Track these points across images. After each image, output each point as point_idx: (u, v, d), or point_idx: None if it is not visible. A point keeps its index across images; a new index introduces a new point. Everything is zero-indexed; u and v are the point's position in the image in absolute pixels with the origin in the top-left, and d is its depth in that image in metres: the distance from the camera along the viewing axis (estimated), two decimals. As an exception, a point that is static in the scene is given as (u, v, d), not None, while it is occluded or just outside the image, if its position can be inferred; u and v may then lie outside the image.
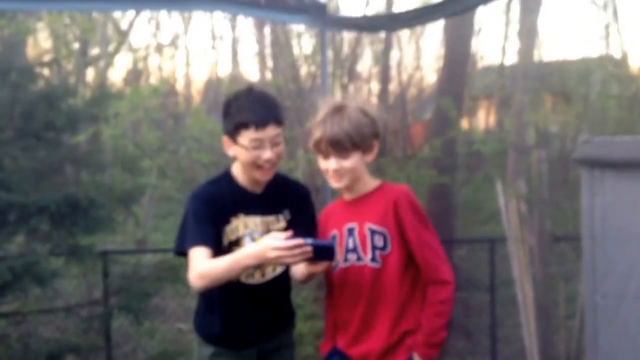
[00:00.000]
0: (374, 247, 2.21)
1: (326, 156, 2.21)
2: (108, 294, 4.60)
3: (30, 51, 8.63)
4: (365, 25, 4.49)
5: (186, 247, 2.22)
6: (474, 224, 8.07)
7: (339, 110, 2.21)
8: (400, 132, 9.20)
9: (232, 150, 2.29)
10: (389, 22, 4.15)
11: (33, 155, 4.27)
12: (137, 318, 4.45)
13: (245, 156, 2.24)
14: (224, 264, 2.13)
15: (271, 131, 2.23)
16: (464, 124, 8.62)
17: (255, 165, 2.25)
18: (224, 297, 2.31)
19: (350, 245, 2.25)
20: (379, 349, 2.23)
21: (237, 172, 2.35)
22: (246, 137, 2.22)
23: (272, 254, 2.02)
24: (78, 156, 4.66)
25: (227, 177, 2.36)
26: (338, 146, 2.17)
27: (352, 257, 2.25)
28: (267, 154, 2.23)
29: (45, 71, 6.01)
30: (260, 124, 2.20)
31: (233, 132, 2.25)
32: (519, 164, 5.82)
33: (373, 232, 2.22)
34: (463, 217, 7.76)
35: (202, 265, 2.15)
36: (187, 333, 5.63)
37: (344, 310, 2.31)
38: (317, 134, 2.20)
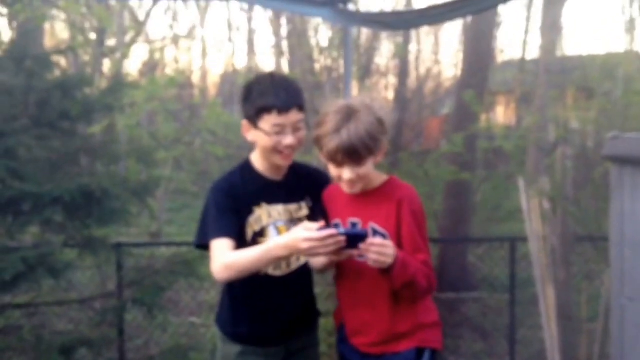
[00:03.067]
0: None
1: (340, 165, 2.14)
2: (122, 287, 4.56)
3: (48, 41, 8.63)
4: (393, 22, 4.36)
5: (208, 240, 2.18)
6: (493, 222, 7.95)
7: (350, 116, 2.12)
8: (417, 127, 9.12)
9: (251, 134, 2.24)
10: (418, 18, 4.02)
11: (48, 145, 4.21)
12: (150, 312, 4.39)
13: (265, 141, 2.20)
14: (254, 255, 2.08)
15: (294, 116, 2.18)
16: (483, 119, 8.49)
17: (275, 150, 2.21)
18: (250, 291, 2.26)
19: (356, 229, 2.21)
20: (380, 339, 2.22)
21: (256, 160, 2.31)
22: (268, 121, 2.17)
23: (305, 245, 1.97)
24: (93, 146, 4.60)
25: (246, 167, 2.32)
26: (355, 156, 2.11)
27: (354, 251, 2.19)
28: (288, 139, 2.19)
29: (62, 60, 5.98)
30: (283, 109, 2.16)
31: (254, 117, 2.20)
32: (541, 161, 5.71)
33: (375, 232, 2.18)
34: (482, 214, 7.65)
35: (228, 257, 2.11)
36: (200, 327, 5.59)
37: (347, 298, 2.29)
38: (331, 144, 2.10)
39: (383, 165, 6.04)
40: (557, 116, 5.73)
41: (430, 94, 11.22)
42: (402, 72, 8.91)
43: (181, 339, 5.45)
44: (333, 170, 2.19)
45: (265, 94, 2.18)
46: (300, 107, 2.21)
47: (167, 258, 4.80)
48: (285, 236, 2.06)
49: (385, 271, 2.05)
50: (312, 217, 2.31)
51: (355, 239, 2.00)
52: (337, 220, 2.28)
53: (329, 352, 3.96)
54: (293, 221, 2.29)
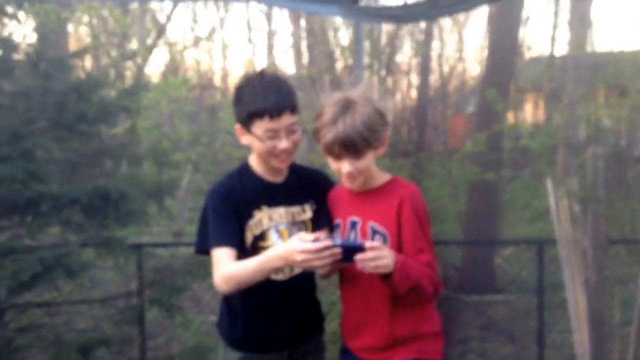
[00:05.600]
0: None
1: (339, 158, 2.05)
2: (142, 287, 4.54)
3: (73, 44, 8.68)
4: (403, 15, 4.24)
5: (208, 247, 2.10)
6: (520, 223, 7.80)
7: (347, 107, 2.04)
8: (440, 126, 8.98)
9: (245, 139, 2.15)
10: (428, 10, 3.90)
11: (66, 147, 4.22)
12: (168, 312, 4.36)
13: (260, 146, 2.11)
14: (251, 266, 2.01)
15: (286, 120, 2.08)
16: (510, 117, 8.33)
17: (271, 154, 2.12)
18: (251, 296, 2.15)
19: (352, 238, 2.11)
20: (377, 345, 2.13)
21: (255, 163, 2.22)
22: (260, 127, 2.08)
23: (299, 257, 1.88)
24: (111, 148, 4.59)
25: (245, 169, 2.22)
26: (352, 148, 2.02)
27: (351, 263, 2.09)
28: (283, 143, 2.09)
29: (85, 63, 5.99)
30: (275, 114, 2.06)
31: (246, 121, 2.10)
32: (570, 160, 5.55)
33: (374, 232, 2.09)
34: (509, 215, 7.50)
35: (227, 268, 2.03)
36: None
37: (346, 302, 2.21)
38: (328, 136, 2.02)
39: (405, 165, 5.96)
40: (587, 114, 5.56)
41: (455, 91, 11.07)
42: (424, 70, 8.78)
43: (203, 337, 5.42)
44: (332, 164, 2.10)
45: (255, 98, 2.08)
46: (293, 109, 2.10)
47: (186, 258, 4.78)
48: (281, 247, 1.98)
49: (386, 277, 1.95)
50: (316, 220, 2.23)
51: (351, 250, 1.90)
52: (338, 220, 2.20)
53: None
54: (295, 224, 2.20)
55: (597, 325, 4.20)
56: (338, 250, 1.88)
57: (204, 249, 2.15)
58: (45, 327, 4.36)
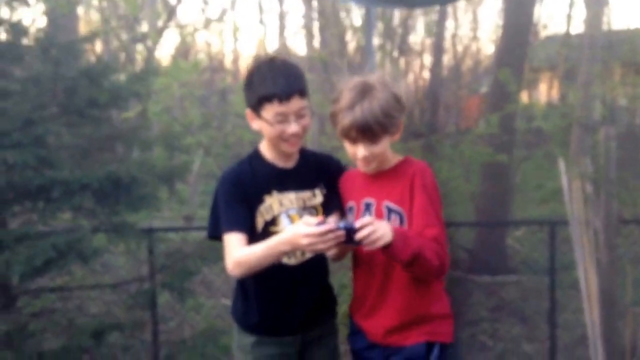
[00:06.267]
0: None
1: (355, 142, 2.08)
2: (154, 271, 4.58)
3: (83, 28, 8.68)
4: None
5: (220, 233, 2.14)
6: (532, 204, 7.75)
7: (365, 92, 2.05)
8: (453, 106, 8.91)
9: (255, 123, 2.18)
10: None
11: (77, 132, 4.23)
12: (180, 295, 4.40)
13: (269, 130, 2.13)
14: (260, 251, 2.04)
15: (296, 104, 2.10)
16: (524, 97, 8.24)
17: (280, 139, 2.14)
18: (262, 281, 2.18)
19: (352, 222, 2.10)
20: (390, 325, 2.14)
21: (265, 149, 2.25)
22: (270, 111, 2.10)
23: (304, 240, 1.91)
24: (122, 133, 4.60)
25: (256, 155, 2.25)
26: (369, 133, 2.04)
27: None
28: (292, 127, 2.11)
29: (96, 47, 5.98)
30: (284, 97, 2.08)
31: (256, 106, 2.13)
32: (584, 140, 5.48)
33: (390, 211, 2.11)
34: (521, 197, 7.46)
35: (238, 253, 2.07)
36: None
37: (360, 284, 2.23)
38: (345, 121, 2.05)
39: (416, 147, 5.93)
40: (602, 93, 5.49)
41: (469, 72, 10.96)
42: (437, 50, 8.69)
43: (214, 321, 5.47)
44: (348, 148, 2.12)
45: (265, 82, 2.11)
46: (302, 93, 2.12)
47: (197, 242, 4.81)
48: (287, 231, 2.00)
49: (386, 248, 1.95)
50: (327, 205, 2.25)
51: (353, 232, 1.93)
52: (351, 203, 2.22)
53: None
54: (306, 209, 2.23)
55: (608, 304, 4.19)
56: (341, 232, 1.91)
57: (215, 234, 2.19)
58: (58, 312, 4.42)
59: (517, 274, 6.44)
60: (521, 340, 5.30)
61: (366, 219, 1.95)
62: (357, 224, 1.92)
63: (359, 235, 1.91)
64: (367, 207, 2.16)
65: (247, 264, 2.06)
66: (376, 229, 1.91)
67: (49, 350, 3.86)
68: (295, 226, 1.97)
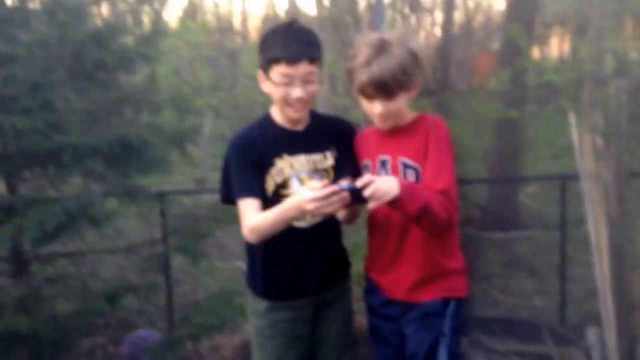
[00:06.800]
0: None
1: (371, 99, 2.11)
2: (167, 234, 4.62)
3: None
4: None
5: (233, 197, 2.20)
6: (544, 160, 7.71)
7: (382, 49, 2.07)
8: (465, 64, 8.81)
9: (265, 85, 2.21)
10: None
11: (86, 97, 4.22)
12: (194, 258, 4.44)
13: (275, 92, 2.16)
14: (271, 217, 2.09)
15: (303, 68, 2.12)
16: (535, 53, 8.12)
17: (285, 102, 2.16)
18: (272, 245, 2.22)
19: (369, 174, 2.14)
20: (409, 281, 2.18)
21: (276, 112, 2.27)
22: (277, 72, 2.13)
23: (310, 206, 1.96)
24: (131, 97, 4.58)
25: (266, 119, 2.28)
26: (385, 90, 2.07)
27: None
28: (297, 91, 2.13)
29: (102, 9, 5.94)
30: (291, 60, 2.11)
31: (266, 67, 2.17)
32: (596, 94, 5.41)
33: (406, 167, 2.14)
34: (532, 153, 7.42)
35: (252, 220, 2.13)
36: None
37: (376, 242, 2.26)
38: (362, 77, 2.08)
39: (428, 105, 5.89)
40: (614, 46, 5.39)
41: (480, 28, 10.80)
42: (449, 6, 8.56)
43: (228, 284, 5.53)
44: (365, 105, 2.14)
45: (276, 45, 2.14)
46: (312, 60, 2.14)
47: (209, 205, 4.83)
48: (294, 197, 2.05)
49: (393, 203, 1.98)
50: (338, 167, 2.26)
51: (357, 191, 1.96)
52: (367, 161, 2.23)
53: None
54: (317, 172, 2.25)
55: (618, 258, 4.19)
56: (346, 194, 1.95)
57: (227, 199, 2.26)
58: (71, 277, 4.47)
59: (528, 229, 6.46)
60: (533, 295, 5.34)
61: (367, 177, 1.97)
62: (359, 183, 1.94)
63: (364, 194, 1.93)
64: (383, 164, 2.19)
65: (260, 230, 2.12)
66: (379, 186, 1.93)
67: (64, 314, 3.91)
68: (301, 192, 2.03)
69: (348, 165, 2.26)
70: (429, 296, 2.17)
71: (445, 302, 2.18)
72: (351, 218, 2.27)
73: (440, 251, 2.17)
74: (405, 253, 2.17)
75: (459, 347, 2.22)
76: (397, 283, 2.21)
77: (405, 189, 1.97)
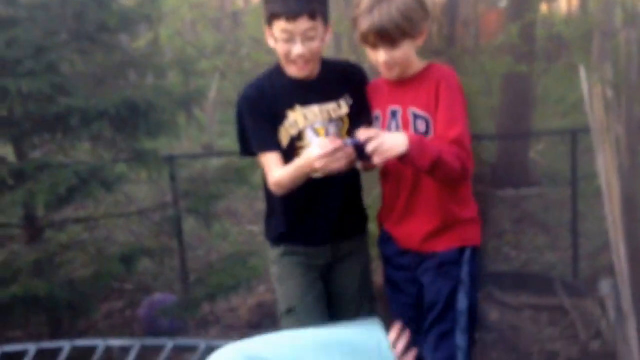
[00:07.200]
0: (416, 132, 2.10)
1: (375, 47, 2.07)
2: (177, 198, 4.64)
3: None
4: None
5: (251, 150, 2.22)
6: (554, 116, 7.64)
7: None
8: (472, 21, 8.66)
9: (271, 40, 2.18)
10: None
11: (89, 60, 4.19)
12: (206, 221, 4.45)
13: (278, 49, 2.14)
14: (289, 174, 2.12)
15: (303, 25, 2.08)
16: (543, 8, 7.98)
17: (288, 59, 2.13)
18: (290, 194, 2.21)
19: (393, 128, 2.15)
20: (423, 231, 2.17)
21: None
22: (278, 27, 2.10)
23: (317, 164, 1.97)
24: (135, 60, 4.55)
25: (276, 71, 2.23)
26: (387, 37, 2.03)
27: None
28: (297, 48, 2.10)
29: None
30: (290, 16, 2.07)
31: (269, 22, 2.14)
32: (605, 47, 5.35)
33: (416, 117, 2.11)
34: (542, 109, 7.35)
35: (276, 174, 2.15)
36: (259, 235, 5.68)
37: (389, 192, 2.25)
38: (363, 25, 2.04)
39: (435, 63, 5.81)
40: (623, -1, 5.31)
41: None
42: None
43: (241, 247, 5.57)
44: (370, 55, 2.11)
45: (276, 0, 2.11)
46: (313, 15, 2.09)
47: (219, 168, 4.83)
48: (302, 156, 2.07)
49: (403, 158, 1.96)
50: (353, 115, 2.23)
51: (362, 147, 1.96)
52: (377, 112, 2.20)
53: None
54: (332, 121, 2.22)
55: (630, 209, 4.17)
56: (350, 150, 1.95)
57: (246, 151, 2.26)
58: (85, 242, 4.51)
59: (539, 186, 6.43)
60: (545, 250, 5.33)
61: (371, 131, 1.96)
62: (362, 138, 1.93)
63: (367, 150, 1.92)
64: (393, 114, 2.16)
65: (283, 184, 2.15)
66: (383, 141, 1.92)
67: (80, 277, 3.93)
68: (308, 150, 2.03)
69: (364, 112, 2.23)
70: (444, 246, 2.16)
71: (461, 250, 2.17)
72: (369, 167, 2.23)
73: (453, 201, 2.15)
74: (417, 204, 2.16)
75: (477, 295, 2.21)
76: (411, 234, 2.19)
77: (415, 144, 1.94)
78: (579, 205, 4.79)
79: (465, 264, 2.16)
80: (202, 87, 4.99)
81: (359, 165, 2.18)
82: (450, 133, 2.04)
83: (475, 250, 2.21)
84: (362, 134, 1.95)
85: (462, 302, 2.15)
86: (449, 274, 2.16)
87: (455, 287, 2.15)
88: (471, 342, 2.18)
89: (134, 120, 4.05)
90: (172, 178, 4.64)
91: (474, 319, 2.18)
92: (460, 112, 2.08)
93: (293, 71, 2.16)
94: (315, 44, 2.12)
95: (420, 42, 2.11)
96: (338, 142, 1.95)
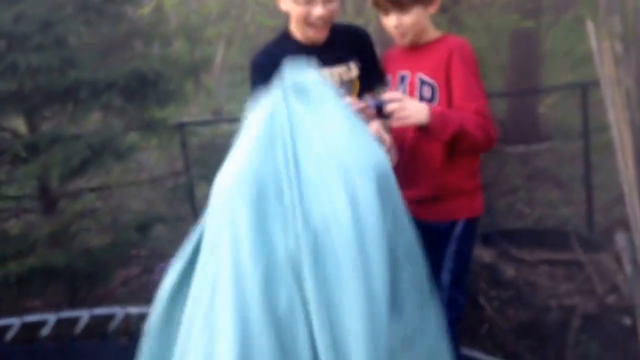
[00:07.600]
0: (421, 98, 2.12)
1: (386, 12, 2.11)
2: (189, 165, 4.66)
3: None
4: None
5: None
6: (563, 70, 7.56)
7: None
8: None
9: (284, 3, 2.17)
10: None
11: (96, 31, 4.19)
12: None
13: (296, 12, 2.13)
14: None
15: None
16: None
17: (306, 22, 2.13)
18: None
19: (400, 92, 2.16)
20: (417, 197, 2.17)
21: (294, 29, 2.23)
22: None
23: None
24: (141, 29, 4.53)
25: (283, 36, 2.25)
26: (397, 2, 2.06)
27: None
28: (318, 10, 2.10)
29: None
30: None
31: None
32: (613, 0, 5.25)
33: (422, 83, 2.13)
34: (551, 64, 7.26)
35: None
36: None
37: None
38: None
39: (442, 21, 5.75)
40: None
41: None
42: None
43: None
44: (383, 20, 2.15)
45: None
46: None
47: (229, 134, 4.83)
48: None
49: (425, 129, 1.99)
50: (363, 77, 2.25)
51: (382, 107, 1.98)
52: (388, 76, 2.25)
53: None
54: (343, 84, 2.23)
55: (644, 162, 4.16)
56: (372, 112, 1.98)
57: None
58: (100, 211, 4.56)
59: (550, 141, 6.39)
60: (559, 205, 5.31)
61: (396, 93, 1.97)
62: (386, 97, 1.94)
63: (387, 108, 1.93)
64: (402, 79, 2.19)
65: None
66: (405, 106, 1.94)
67: (97, 246, 4.00)
68: None
69: (372, 74, 2.24)
70: (435, 216, 2.18)
71: (453, 224, 2.19)
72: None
73: (453, 170, 2.17)
74: (415, 170, 2.18)
75: (463, 272, 2.23)
76: (407, 199, 2.22)
77: (436, 116, 1.97)
78: (592, 157, 4.76)
79: (454, 241, 2.19)
80: (209, 54, 4.97)
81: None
82: (469, 104, 2.06)
83: (470, 221, 2.23)
84: (387, 94, 1.97)
85: (445, 279, 2.19)
86: (436, 247, 2.15)
87: (440, 263, 2.18)
88: (456, 321, 2.20)
89: (142, 90, 4.07)
90: (183, 145, 4.66)
91: (457, 293, 2.21)
92: (476, 84, 2.09)
93: (311, 34, 2.16)
94: (334, 5, 2.13)
95: (432, 9, 2.13)
96: (361, 103, 1.96)
